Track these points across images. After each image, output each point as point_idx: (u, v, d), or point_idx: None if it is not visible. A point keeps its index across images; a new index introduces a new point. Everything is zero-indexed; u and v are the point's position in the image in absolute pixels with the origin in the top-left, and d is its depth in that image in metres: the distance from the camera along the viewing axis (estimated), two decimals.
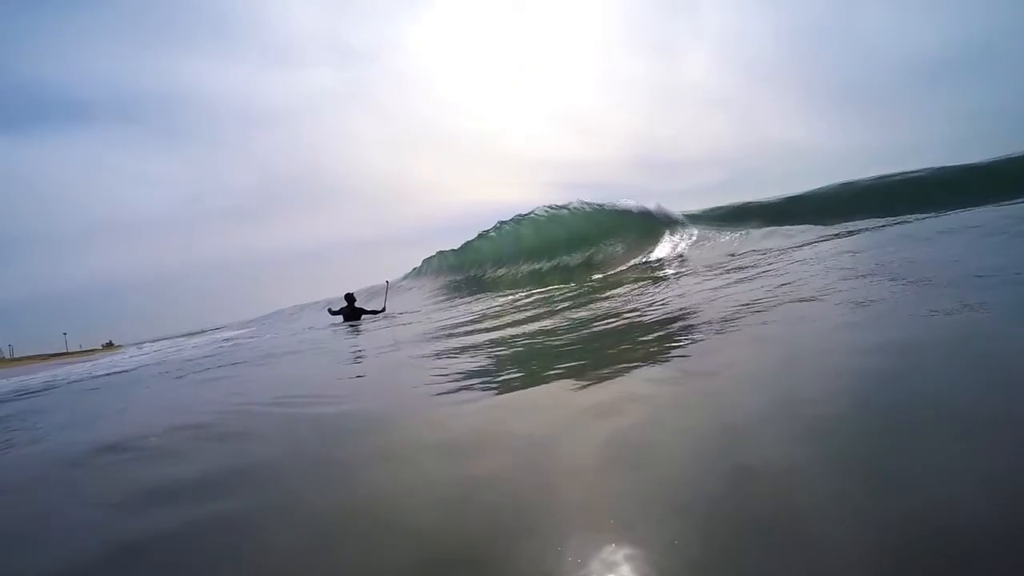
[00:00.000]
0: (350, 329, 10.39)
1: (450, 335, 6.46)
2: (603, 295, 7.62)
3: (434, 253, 26.55)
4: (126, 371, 9.87)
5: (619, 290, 7.88)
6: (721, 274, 6.99)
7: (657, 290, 6.84)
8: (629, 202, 16.16)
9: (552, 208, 19.34)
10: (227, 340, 17.89)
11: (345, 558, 1.38)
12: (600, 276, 12.89)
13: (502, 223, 21.56)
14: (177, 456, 2.58)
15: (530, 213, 20.23)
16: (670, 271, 9.81)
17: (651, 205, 15.50)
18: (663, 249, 13.77)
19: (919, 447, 1.47)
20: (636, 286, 7.96)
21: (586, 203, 17.66)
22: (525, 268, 18.11)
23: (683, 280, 7.56)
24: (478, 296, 14.83)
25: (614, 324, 5.06)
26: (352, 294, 13.25)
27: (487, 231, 22.51)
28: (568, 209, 18.16)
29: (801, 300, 3.96)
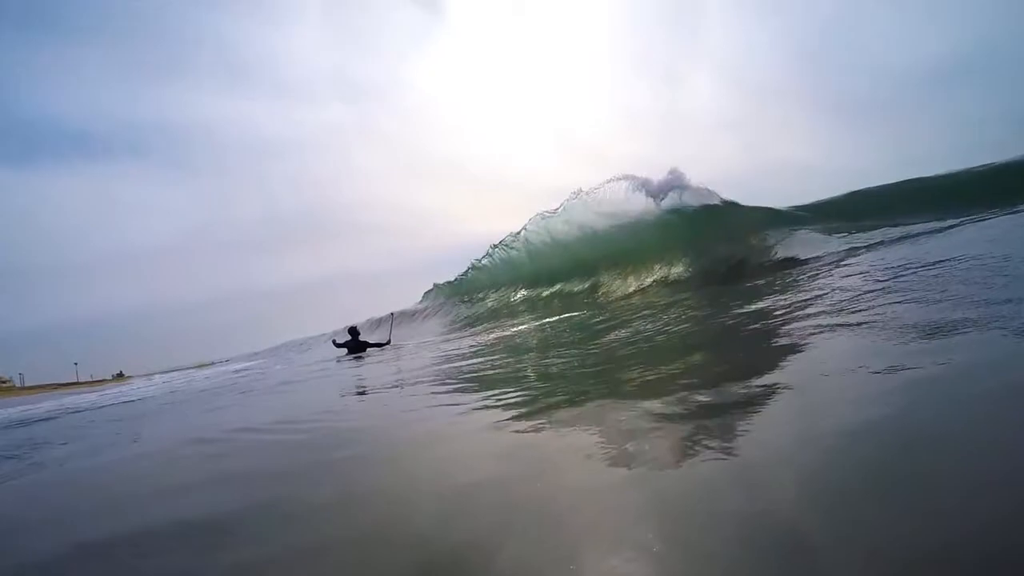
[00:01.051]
0: (355, 360, 10.54)
1: (449, 365, 6.63)
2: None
3: (431, 286, 26.80)
4: (134, 400, 10.54)
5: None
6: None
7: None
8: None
9: (547, 214, 19.54)
10: (237, 372, 18.13)
11: None
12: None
13: (494, 247, 21.89)
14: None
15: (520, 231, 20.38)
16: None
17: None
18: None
19: None
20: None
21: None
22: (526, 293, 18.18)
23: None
24: (481, 327, 14.98)
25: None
26: (356, 327, 13.29)
27: (479, 259, 22.95)
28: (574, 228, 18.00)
29: None
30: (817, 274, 6.80)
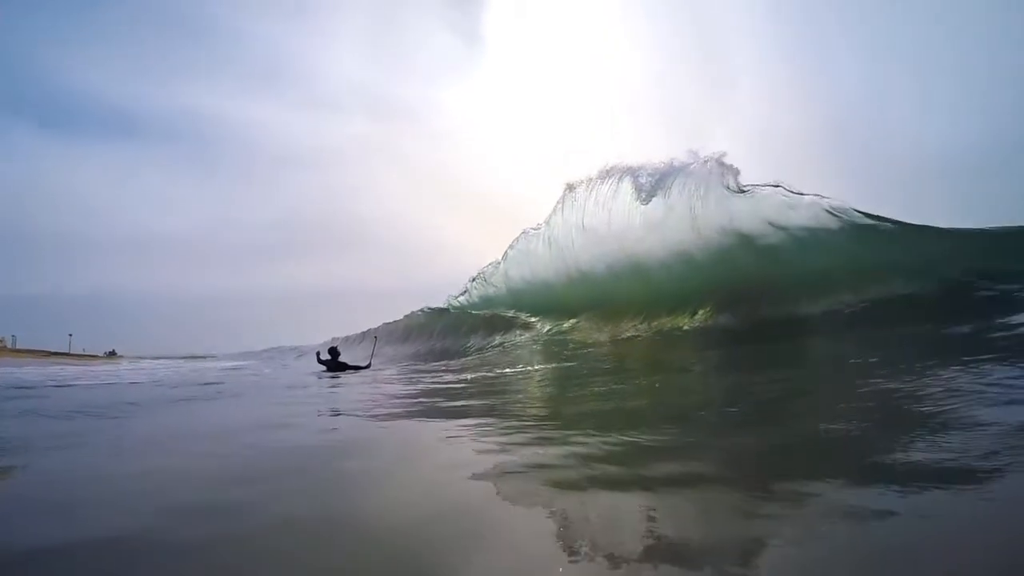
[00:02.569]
0: (333, 379, 10.73)
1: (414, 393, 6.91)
2: None
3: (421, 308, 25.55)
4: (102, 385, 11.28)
5: None
6: None
7: None
8: None
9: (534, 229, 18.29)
10: (225, 369, 18.56)
11: None
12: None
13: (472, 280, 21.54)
14: None
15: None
16: None
17: None
18: None
19: None
20: None
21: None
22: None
23: None
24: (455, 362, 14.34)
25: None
26: (336, 348, 13.44)
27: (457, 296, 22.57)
28: None
29: None
30: None
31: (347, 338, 30.07)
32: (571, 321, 14.96)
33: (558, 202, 17.91)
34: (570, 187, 17.33)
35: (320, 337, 32.87)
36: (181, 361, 33.80)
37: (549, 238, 18.10)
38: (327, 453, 3.32)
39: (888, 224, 9.92)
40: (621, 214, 15.78)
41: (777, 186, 11.28)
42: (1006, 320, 5.77)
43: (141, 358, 42.29)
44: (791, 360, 6.96)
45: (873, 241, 9.85)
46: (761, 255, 11.51)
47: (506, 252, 20.13)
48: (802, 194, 10.88)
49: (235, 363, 27.47)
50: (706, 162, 13.02)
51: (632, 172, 15.45)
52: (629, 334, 11.98)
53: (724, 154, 12.76)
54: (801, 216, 10.72)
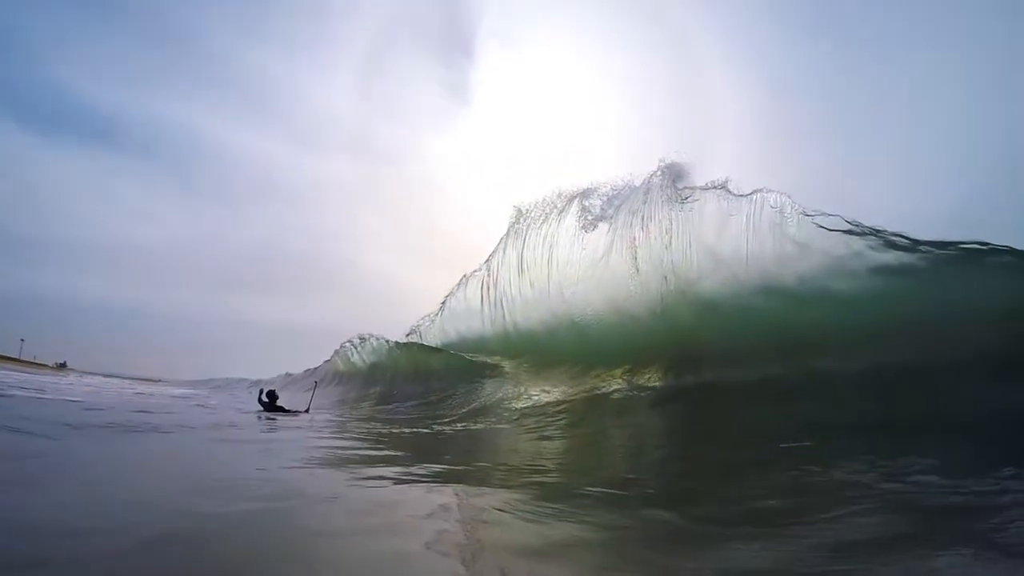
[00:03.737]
0: (269, 420, 11.40)
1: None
2: None
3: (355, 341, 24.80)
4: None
5: None
6: None
7: None
8: None
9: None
10: (174, 397, 18.85)
11: None
12: None
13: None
14: None
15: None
16: None
17: None
18: None
19: None
20: None
21: None
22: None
23: None
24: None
25: None
26: (274, 391, 14.07)
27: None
28: None
29: None
30: None
31: (307, 370, 29.39)
32: (495, 381, 14.18)
33: (501, 240, 17.51)
34: (518, 214, 16.98)
35: (279, 370, 32.30)
36: (130, 383, 32.68)
37: (487, 284, 17.81)
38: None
39: (843, 229, 9.11)
40: (563, 248, 15.60)
41: (722, 187, 11.16)
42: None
43: (91, 373, 40.83)
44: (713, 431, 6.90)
45: (830, 250, 9.21)
46: (699, 303, 11.22)
47: (444, 302, 19.76)
48: (743, 194, 10.60)
49: (185, 391, 27.29)
50: (653, 175, 12.99)
51: (582, 196, 15.34)
52: (557, 396, 11.22)
53: (671, 162, 12.75)
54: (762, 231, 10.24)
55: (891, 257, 8.65)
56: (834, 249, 9.14)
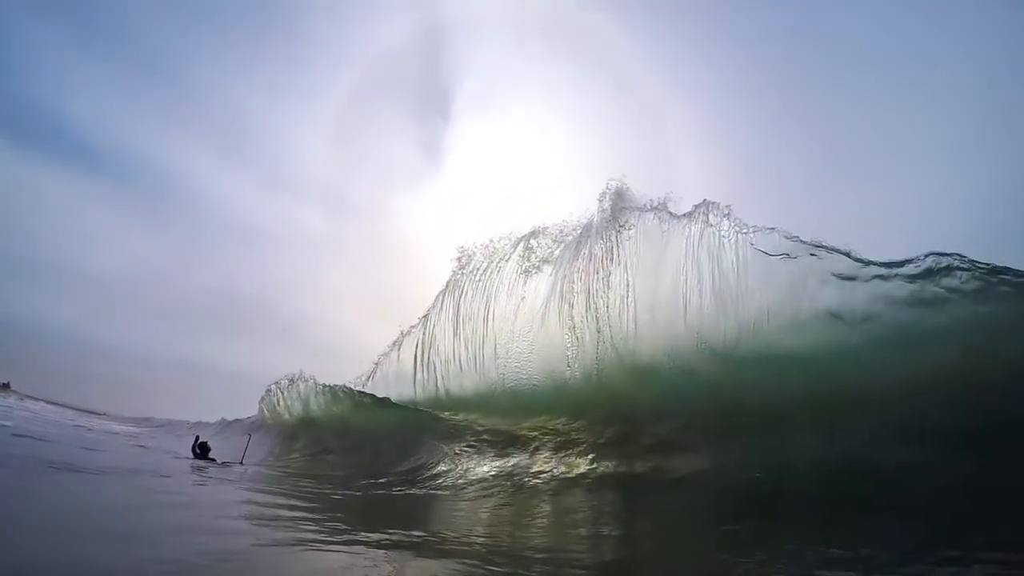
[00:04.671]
0: (204, 466, 11.64)
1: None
2: None
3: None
4: None
5: None
6: None
7: None
8: None
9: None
10: (116, 433, 18.60)
11: None
12: None
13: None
14: None
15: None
16: None
17: None
18: None
19: None
20: None
21: None
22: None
23: None
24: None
25: None
26: (206, 443, 14.08)
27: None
28: None
29: None
30: None
31: (249, 418, 27.36)
32: (429, 442, 12.57)
33: (439, 295, 16.27)
34: (463, 256, 15.63)
35: (224, 413, 30.17)
36: (73, 413, 30.92)
37: (422, 343, 16.50)
38: None
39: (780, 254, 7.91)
40: (502, 300, 14.22)
41: (662, 207, 10.47)
42: None
43: (34, 398, 39.07)
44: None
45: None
46: (634, 365, 10.16)
47: (376, 363, 18.45)
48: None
49: (126, 427, 26.46)
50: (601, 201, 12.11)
51: (528, 236, 14.08)
52: (488, 466, 9.87)
53: (616, 188, 11.88)
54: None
55: (833, 293, 7.21)
56: (772, 278, 7.99)
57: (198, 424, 30.94)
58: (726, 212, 9.17)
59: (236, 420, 27.20)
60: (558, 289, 12.46)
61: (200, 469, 11.12)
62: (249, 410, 26.15)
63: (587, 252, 11.82)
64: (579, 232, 12.65)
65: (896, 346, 6.12)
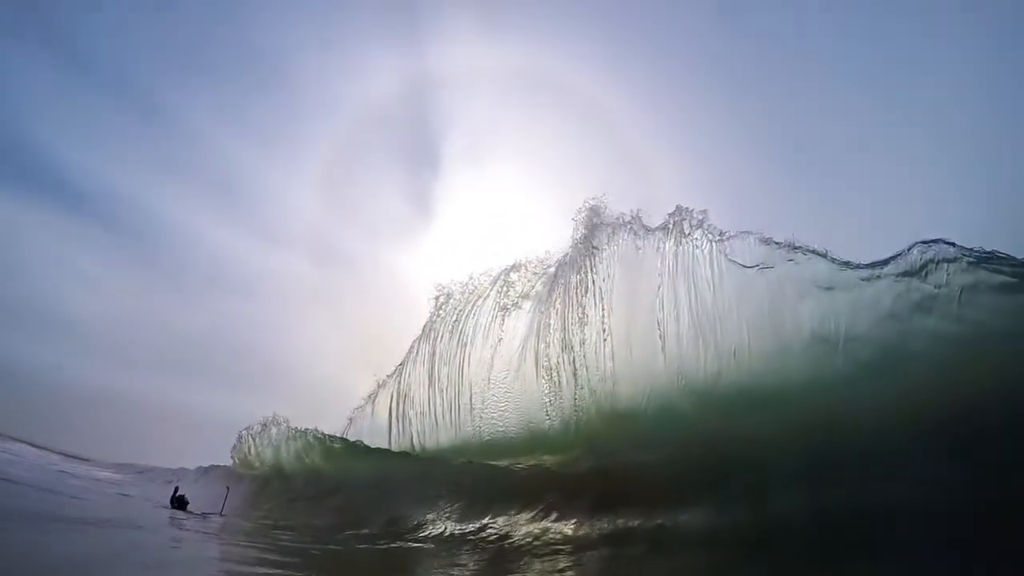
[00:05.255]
0: (180, 522, 11.31)
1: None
2: None
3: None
4: None
5: None
6: None
7: None
8: None
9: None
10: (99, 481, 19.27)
11: None
12: None
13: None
14: None
15: None
16: None
17: None
18: None
19: None
20: None
21: None
22: None
23: None
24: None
25: None
26: (183, 496, 14.15)
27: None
28: None
29: None
30: None
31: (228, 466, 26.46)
32: (407, 492, 11.78)
33: (415, 341, 15.55)
34: (442, 295, 14.93)
35: (208, 459, 29.08)
36: (58, 458, 30.21)
37: (396, 395, 15.77)
38: None
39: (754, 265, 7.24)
40: (479, 340, 13.53)
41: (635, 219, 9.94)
42: None
43: (18, 440, 38.21)
44: None
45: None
46: (612, 412, 9.39)
47: (351, 418, 17.65)
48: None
49: (109, 474, 26.07)
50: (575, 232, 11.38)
51: (507, 271, 13.41)
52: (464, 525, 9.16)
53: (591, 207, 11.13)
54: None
55: (814, 307, 6.36)
56: (750, 293, 7.26)
57: (180, 470, 30.06)
58: (700, 218, 8.54)
59: (216, 466, 26.43)
60: (535, 328, 11.71)
61: (179, 521, 11.32)
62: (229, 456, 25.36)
63: (563, 285, 11.09)
64: (557, 263, 11.96)
65: (884, 370, 5.18)
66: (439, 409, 14.08)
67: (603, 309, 9.96)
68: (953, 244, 4.99)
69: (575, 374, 10.26)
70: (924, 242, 5.10)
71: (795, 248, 6.63)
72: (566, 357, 10.64)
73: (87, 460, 38.73)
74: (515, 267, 13.23)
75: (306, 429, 17.69)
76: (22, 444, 36.00)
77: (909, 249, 5.18)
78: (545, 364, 11.15)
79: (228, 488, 16.17)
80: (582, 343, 10.15)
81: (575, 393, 10.23)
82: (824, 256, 6.11)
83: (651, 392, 8.70)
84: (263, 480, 18.44)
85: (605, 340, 9.75)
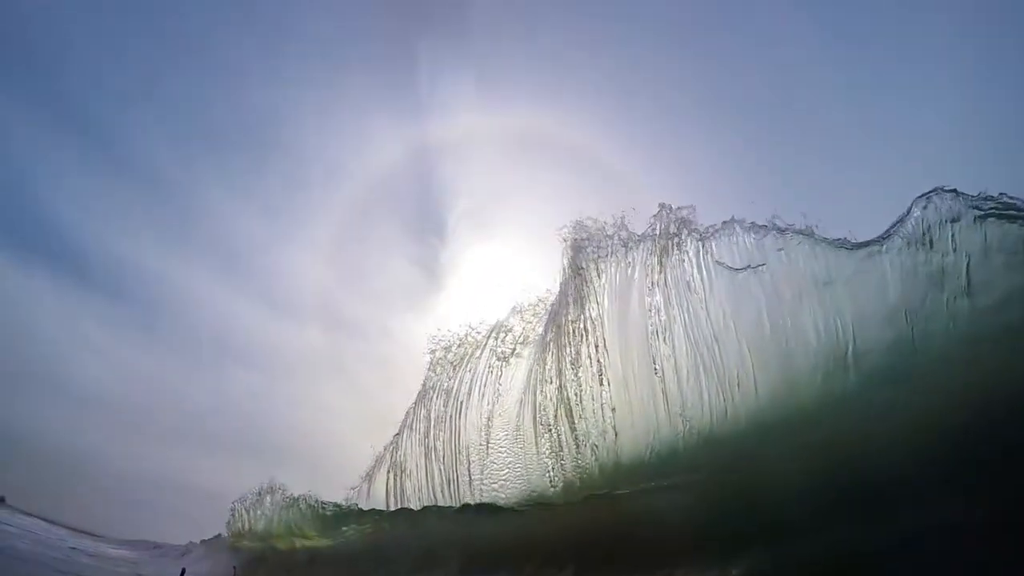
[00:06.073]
0: None
1: None
2: None
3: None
4: None
5: None
6: None
7: None
8: None
9: None
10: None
11: None
12: None
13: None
14: None
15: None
16: None
17: None
18: None
19: None
20: None
21: None
22: None
23: None
24: None
25: None
26: None
27: None
28: None
29: None
30: None
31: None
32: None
33: (410, 408, 14.59)
34: (435, 350, 14.19)
35: (215, 531, 28.39)
36: (69, 533, 29.48)
37: (393, 466, 14.77)
38: None
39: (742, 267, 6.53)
40: (475, 398, 12.60)
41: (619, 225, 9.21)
42: None
43: (30, 515, 37.54)
44: None
45: None
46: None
47: (347, 499, 16.84)
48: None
49: (122, 552, 24.91)
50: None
51: (503, 320, 12.61)
52: None
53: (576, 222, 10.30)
54: None
55: (815, 306, 5.52)
56: (741, 299, 6.49)
57: (190, 544, 29.24)
58: (689, 214, 7.89)
59: (220, 536, 25.83)
60: (532, 379, 10.85)
61: None
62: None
63: (556, 325, 10.26)
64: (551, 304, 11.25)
65: (900, 379, 4.24)
66: (436, 481, 13.21)
67: (597, 349, 9.04)
68: (954, 191, 4.24)
69: (573, 429, 9.40)
70: (923, 195, 4.35)
71: (782, 231, 5.83)
72: (563, 410, 9.71)
73: (98, 536, 37.91)
74: (514, 311, 12.69)
75: (298, 496, 16.94)
76: (34, 519, 35.52)
77: (908, 212, 4.43)
78: (544, 421, 10.23)
79: (235, 567, 16.20)
80: (579, 394, 9.28)
81: (575, 453, 9.36)
82: (812, 236, 5.31)
83: (654, 443, 7.77)
84: (258, 554, 17.66)
85: (602, 384, 8.77)
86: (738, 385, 6.17)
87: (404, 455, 14.58)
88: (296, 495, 17.54)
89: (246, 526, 20.17)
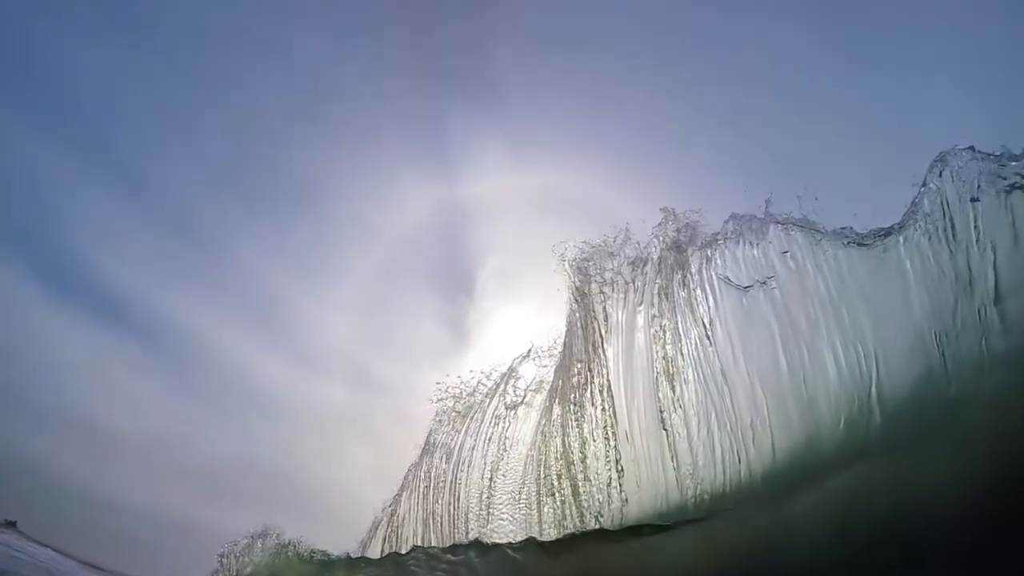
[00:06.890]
0: None
1: None
2: None
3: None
4: None
5: None
6: None
7: None
8: None
9: None
10: None
11: None
12: None
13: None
14: None
15: None
16: None
17: None
18: None
19: None
20: None
21: None
22: None
23: None
24: None
25: None
26: None
27: None
28: None
29: None
30: None
31: None
32: None
33: (410, 469, 13.62)
34: (443, 399, 13.48)
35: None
36: (77, 566, 28.92)
37: (387, 539, 13.77)
38: None
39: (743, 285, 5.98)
40: (476, 462, 11.91)
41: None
42: None
43: (42, 544, 36.99)
44: None
45: None
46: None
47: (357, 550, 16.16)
48: None
49: None
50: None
51: (504, 379, 11.92)
52: None
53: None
54: None
55: (832, 332, 4.72)
56: (751, 322, 5.94)
57: None
58: (695, 214, 7.46)
59: None
60: (537, 435, 10.20)
61: None
62: None
63: (563, 373, 9.66)
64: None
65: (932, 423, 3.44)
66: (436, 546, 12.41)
67: (602, 394, 8.25)
68: (971, 148, 3.56)
69: (576, 496, 8.75)
70: (937, 159, 3.68)
71: (783, 224, 5.15)
72: (566, 471, 9.02)
73: (106, 571, 37.08)
74: (527, 355, 12.09)
75: (288, 542, 15.97)
76: (45, 548, 35.40)
77: (924, 184, 3.74)
78: (547, 483, 9.52)
79: None
80: (583, 451, 8.55)
81: (579, 523, 8.66)
82: (817, 230, 4.61)
83: (661, 506, 7.03)
84: None
85: (607, 439, 8.03)
86: (752, 439, 5.35)
87: (402, 519, 13.55)
88: (287, 540, 16.55)
89: (233, 571, 19.32)
